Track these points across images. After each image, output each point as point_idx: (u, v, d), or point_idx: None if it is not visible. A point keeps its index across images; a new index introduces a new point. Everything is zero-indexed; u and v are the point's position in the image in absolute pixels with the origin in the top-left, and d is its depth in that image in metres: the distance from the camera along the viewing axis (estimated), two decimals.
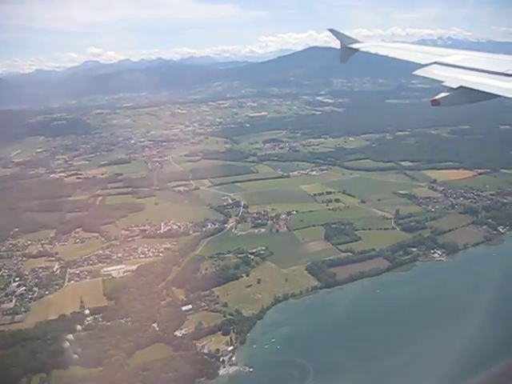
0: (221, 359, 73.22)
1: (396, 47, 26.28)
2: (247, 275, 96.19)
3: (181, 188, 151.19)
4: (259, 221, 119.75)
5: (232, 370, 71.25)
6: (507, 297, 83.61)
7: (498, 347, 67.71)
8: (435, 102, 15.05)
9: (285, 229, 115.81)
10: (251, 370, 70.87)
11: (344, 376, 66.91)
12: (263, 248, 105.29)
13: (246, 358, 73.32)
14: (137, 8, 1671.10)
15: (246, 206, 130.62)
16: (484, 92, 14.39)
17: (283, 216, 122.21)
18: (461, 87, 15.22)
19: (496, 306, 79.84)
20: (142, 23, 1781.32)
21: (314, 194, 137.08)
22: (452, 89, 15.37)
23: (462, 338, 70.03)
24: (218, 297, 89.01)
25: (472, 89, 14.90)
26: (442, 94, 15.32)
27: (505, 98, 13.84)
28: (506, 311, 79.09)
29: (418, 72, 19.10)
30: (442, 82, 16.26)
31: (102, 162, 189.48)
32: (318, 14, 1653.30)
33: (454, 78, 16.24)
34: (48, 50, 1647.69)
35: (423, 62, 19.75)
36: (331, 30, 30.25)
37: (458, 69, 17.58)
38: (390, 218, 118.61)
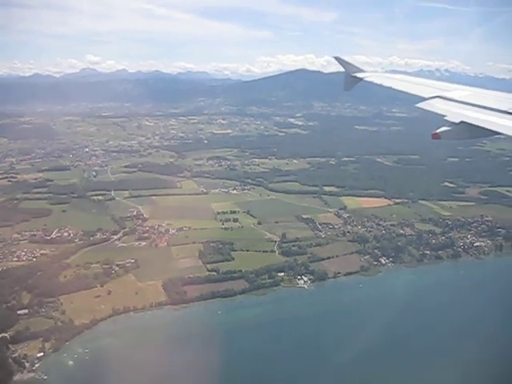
0: (24, 365, 73.50)
1: (399, 79, 26.59)
2: (102, 286, 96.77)
3: (98, 197, 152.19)
4: (146, 234, 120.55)
5: (27, 376, 71.84)
6: (340, 330, 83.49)
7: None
8: (436, 136, 15.00)
9: (165, 244, 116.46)
10: (45, 377, 71.12)
11: None
12: (132, 261, 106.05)
13: (48, 366, 73.86)
14: (142, 20, 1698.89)
15: (145, 219, 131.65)
16: (485, 128, 14.37)
17: (172, 231, 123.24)
18: (462, 122, 15.21)
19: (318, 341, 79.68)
20: (146, 35, 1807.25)
21: (218, 213, 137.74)
22: (453, 123, 15.36)
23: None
24: (61, 304, 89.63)
25: (473, 124, 14.88)
26: (443, 128, 15.30)
27: (506, 135, 13.88)
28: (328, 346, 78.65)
29: (420, 105, 19.16)
30: (444, 116, 16.28)
31: (43, 168, 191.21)
32: (321, 38, 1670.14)
33: (456, 113, 16.26)
34: (50, 55, 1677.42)
35: (426, 96, 19.91)
36: (336, 58, 30.51)
37: (460, 104, 17.63)
38: (275, 241, 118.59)
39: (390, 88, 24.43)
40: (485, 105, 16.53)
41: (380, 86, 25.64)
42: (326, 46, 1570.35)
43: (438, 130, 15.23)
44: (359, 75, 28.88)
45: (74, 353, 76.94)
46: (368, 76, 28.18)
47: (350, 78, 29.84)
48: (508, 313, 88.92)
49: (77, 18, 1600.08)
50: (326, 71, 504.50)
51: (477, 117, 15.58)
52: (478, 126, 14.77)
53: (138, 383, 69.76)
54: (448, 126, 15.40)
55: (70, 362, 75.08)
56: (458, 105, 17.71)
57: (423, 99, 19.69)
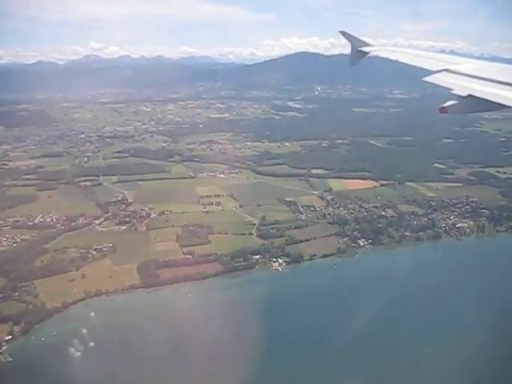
0: None
1: (407, 53, 25.90)
2: (77, 270, 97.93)
3: (85, 183, 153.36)
4: (127, 219, 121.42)
5: None
6: (303, 312, 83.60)
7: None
8: (443, 110, 14.76)
9: (144, 228, 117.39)
10: (11, 359, 72.71)
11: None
12: (110, 245, 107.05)
13: (15, 348, 75.40)
14: (147, 5, 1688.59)
15: (128, 204, 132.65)
16: (492, 102, 14.10)
17: (154, 215, 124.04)
18: (469, 96, 14.93)
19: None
20: (150, 20, 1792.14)
21: (202, 196, 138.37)
22: (460, 97, 15.07)
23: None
24: (35, 288, 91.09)
25: (481, 98, 14.59)
26: (450, 102, 14.98)
27: None
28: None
29: (427, 79, 18.59)
30: (451, 89, 15.97)
31: (36, 154, 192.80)
32: (325, 20, 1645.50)
33: (464, 87, 15.93)
34: (55, 42, 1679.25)
35: (433, 69, 19.35)
36: (342, 32, 30.22)
37: (468, 77, 17.18)
38: (255, 224, 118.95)
39: (396, 61, 23.77)
40: (493, 78, 16.20)
41: (386, 59, 25.11)
42: (330, 29, 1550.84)
43: (445, 104, 14.98)
44: (365, 49, 28.58)
45: (42, 336, 78.36)
46: (374, 50, 27.84)
47: (356, 53, 29.58)
48: (476, 290, 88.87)
49: (81, 4, 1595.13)
50: (328, 53, 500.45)
51: (484, 90, 15.30)
52: (485, 100, 14.50)
53: (101, 365, 70.47)
54: (455, 100, 15.14)
55: (38, 345, 76.21)
56: (465, 78, 17.33)
57: (430, 73, 19.16)
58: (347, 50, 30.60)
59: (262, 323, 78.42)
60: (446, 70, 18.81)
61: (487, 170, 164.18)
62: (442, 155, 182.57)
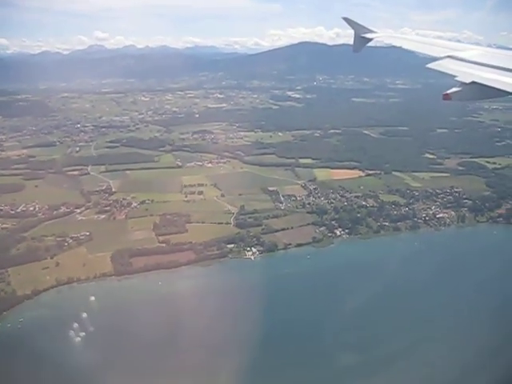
0: None
1: (411, 39, 25.97)
2: (51, 258, 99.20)
3: (73, 173, 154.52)
4: (107, 208, 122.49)
5: None
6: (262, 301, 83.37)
7: None
8: (447, 97, 14.88)
9: (123, 217, 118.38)
10: None
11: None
12: (87, 233, 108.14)
13: None
14: None
15: (112, 193, 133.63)
16: (496, 88, 14.13)
17: (134, 204, 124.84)
18: (473, 83, 14.99)
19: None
20: (156, 10, 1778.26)
21: (185, 186, 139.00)
22: (464, 84, 15.13)
23: None
24: (8, 275, 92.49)
25: (485, 85, 14.61)
26: (454, 89, 15.05)
27: None
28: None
29: (431, 65, 18.74)
30: (455, 76, 16.03)
31: (29, 144, 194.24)
32: (331, 10, 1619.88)
33: (468, 73, 15.92)
34: (61, 32, 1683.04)
35: (438, 56, 19.53)
36: (346, 19, 30.23)
37: (472, 64, 17.19)
38: (233, 213, 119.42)
39: (400, 48, 24.11)
40: (497, 64, 16.20)
41: (389, 45, 26.03)
42: (335, 19, 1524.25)
43: (448, 91, 15.06)
44: (369, 36, 28.59)
45: (9, 322, 79.73)
46: (378, 36, 27.93)
47: (359, 39, 29.63)
48: (445, 279, 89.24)
49: None
50: (332, 43, 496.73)
51: (488, 77, 15.26)
52: (489, 86, 14.53)
53: (61, 351, 71.72)
54: (459, 87, 15.17)
55: (2, 331, 77.51)
56: (469, 65, 17.35)
57: (434, 60, 19.25)
58: (352, 40, 30.60)
59: (223, 310, 79.12)
60: (450, 57, 18.87)
61: (477, 160, 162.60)
62: (434, 145, 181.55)
